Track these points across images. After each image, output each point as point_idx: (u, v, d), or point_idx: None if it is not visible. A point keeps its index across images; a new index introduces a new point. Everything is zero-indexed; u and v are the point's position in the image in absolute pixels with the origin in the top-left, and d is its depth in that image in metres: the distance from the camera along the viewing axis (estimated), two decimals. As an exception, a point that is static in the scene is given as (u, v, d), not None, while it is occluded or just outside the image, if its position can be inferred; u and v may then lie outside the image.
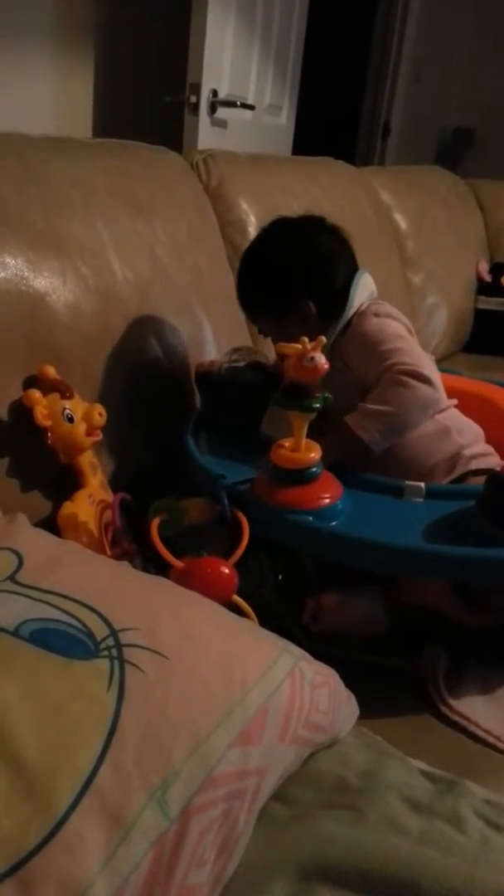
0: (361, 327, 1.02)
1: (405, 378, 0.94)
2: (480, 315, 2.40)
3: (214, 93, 2.18)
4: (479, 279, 2.42)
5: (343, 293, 1.04)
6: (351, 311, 1.04)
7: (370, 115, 3.55)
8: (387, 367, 0.96)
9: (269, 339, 1.11)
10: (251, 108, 2.38)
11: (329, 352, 1.01)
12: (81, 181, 1.10)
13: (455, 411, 1.06)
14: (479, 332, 2.39)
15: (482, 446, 1.03)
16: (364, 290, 1.06)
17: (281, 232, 1.10)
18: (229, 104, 2.24)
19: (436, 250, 2.25)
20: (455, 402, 1.08)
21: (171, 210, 1.28)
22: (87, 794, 0.45)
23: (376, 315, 1.03)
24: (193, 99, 2.14)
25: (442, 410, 1.02)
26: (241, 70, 2.31)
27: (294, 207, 1.58)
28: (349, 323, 1.04)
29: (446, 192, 2.49)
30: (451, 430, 1.01)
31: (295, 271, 1.04)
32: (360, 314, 1.04)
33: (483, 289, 2.41)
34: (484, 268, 2.44)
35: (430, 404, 0.97)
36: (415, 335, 1.06)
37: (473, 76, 3.77)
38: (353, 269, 1.07)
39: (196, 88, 2.13)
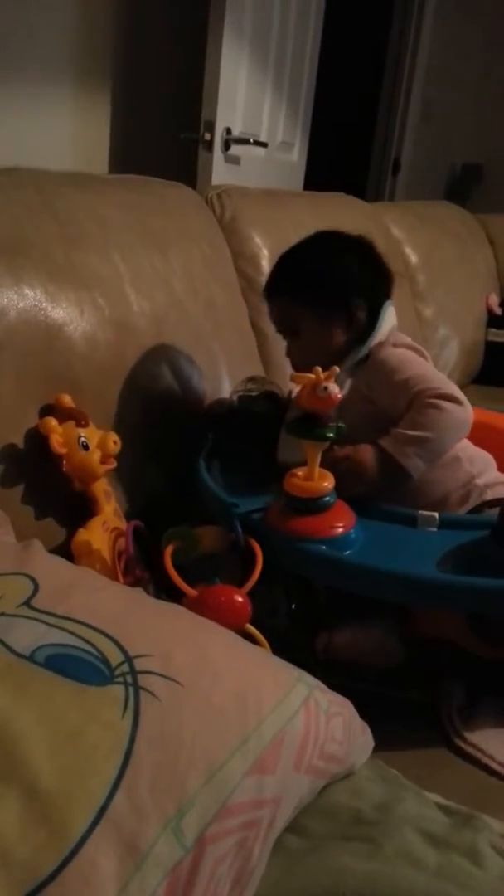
0: (380, 357, 1.02)
1: (437, 401, 0.95)
2: (491, 347, 2.41)
3: (228, 130, 2.23)
4: (490, 312, 2.44)
5: (375, 315, 1.04)
6: (374, 340, 1.03)
7: (381, 153, 3.60)
8: (417, 394, 0.96)
9: (289, 357, 1.07)
10: (264, 145, 2.42)
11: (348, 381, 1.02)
12: (98, 215, 1.12)
13: (464, 440, 1.06)
14: (489, 364, 2.41)
15: (495, 474, 1.03)
16: (389, 321, 1.07)
17: (341, 234, 1.08)
18: (243, 141, 2.28)
19: (446, 284, 2.27)
20: None
21: (186, 243, 1.30)
22: (101, 822, 0.44)
23: (395, 345, 1.04)
24: (208, 136, 2.18)
25: None
26: (254, 108, 2.35)
27: (307, 241, 1.60)
28: (369, 353, 1.04)
29: (456, 226, 2.51)
30: (461, 459, 1.01)
31: (356, 269, 1.03)
32: (380, 345, 1.04)
33: (493, 321, 2.43)
34: (494, 301, 2.46)
35: (463, 424, 0.97)
36: (429, 361, 1.06)
37: (481, 113, 3.84)
38: (389, 294, 1.08)
39: (210, 126, 2.17)
